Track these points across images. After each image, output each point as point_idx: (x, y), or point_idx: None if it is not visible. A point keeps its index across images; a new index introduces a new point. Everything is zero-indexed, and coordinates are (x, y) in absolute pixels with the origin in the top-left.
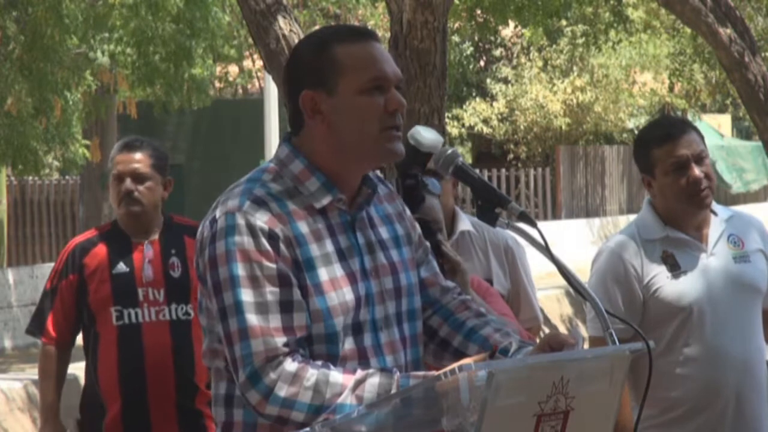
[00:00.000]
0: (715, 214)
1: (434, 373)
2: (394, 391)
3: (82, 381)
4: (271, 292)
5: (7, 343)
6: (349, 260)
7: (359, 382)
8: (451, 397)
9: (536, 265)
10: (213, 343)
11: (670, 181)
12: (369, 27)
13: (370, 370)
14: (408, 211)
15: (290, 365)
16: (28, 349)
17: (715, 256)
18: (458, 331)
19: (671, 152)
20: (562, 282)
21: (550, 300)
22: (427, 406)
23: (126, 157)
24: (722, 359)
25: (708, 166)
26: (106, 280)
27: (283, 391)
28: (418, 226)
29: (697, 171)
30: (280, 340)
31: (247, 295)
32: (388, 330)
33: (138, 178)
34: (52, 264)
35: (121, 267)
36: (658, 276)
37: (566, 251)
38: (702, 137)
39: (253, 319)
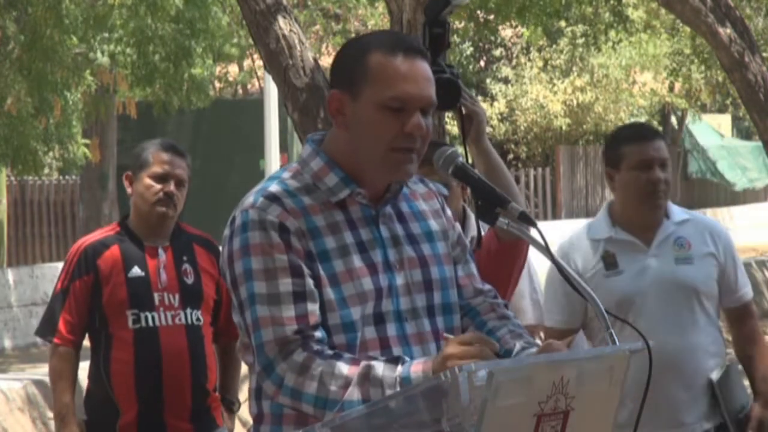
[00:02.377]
0: (668, 217)
1: (431, 361)
2: (398, 387)
3: (84, 381)
4: (282, 282)
5: (7, 343)
6: (370, 252)
7: (364, 377)
8: (451, 397)
9: (536, 266)
10: (244, 337)
11: (633, 176)
12: (369, 27)
13: (373, 362)
14: (448, 211)
15: (299, 355)
16: (28, 349)
17: (656, 257)
18: (480, 331)
19: (640, 151)
20: None
21: None
22: (427, 407)
23: (173, 159)
24: (646, 355)
25: (669, 174)
26: (122, 283)
27: (291, 381)
28: (458, 225)
29: (659, 173)
30: (291, 328)
31: (259, 287)
32: (415, 321)
33: (180, 183)
34: (52, 264)
35: (136, 271)
36: (595, 274)
37: None
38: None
39: (264, 309)
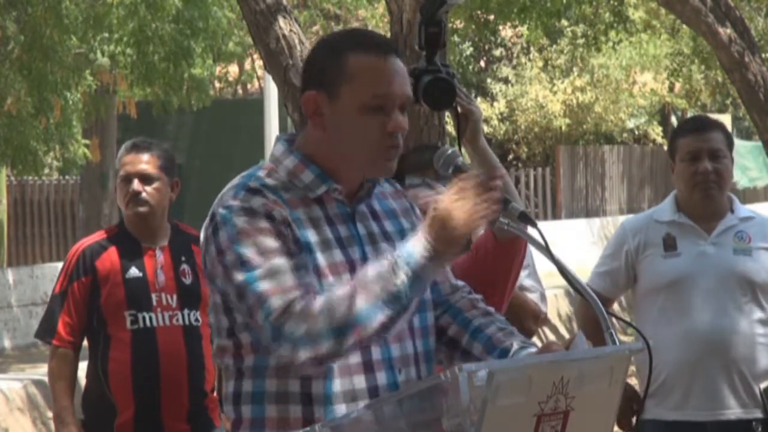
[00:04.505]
0: (732, 211)
1: (421, 231)
2: (404, 269)
3: (82, 381)
4: (278, 260)
5: (7, 343)
6: (349, 249)
7: (360, 282)
8: (451, 397)
9: (536, 265)
10: (222, 340)
11: (683, 167)
12: (369, 27)
13: (362, 269)
14: (417, 209)
15: (296, 307)
16: (28, 349)
17: (715, 245)
18: (465, 329)
19: (689, 143)
20: (562, 282)
21: (550, 300)
22: (427, 407)
23: (134, 157)
24: (696, 336)
25: (723, 165)
26: (120, 284)
27: (302, 330)
28: None
29: (707, 164)
30: (294, 293)
31: (256, 269)
32: None
33: (146, 179)
34: (52, 264)
35: (134, 271)
36: (653, 254)
37: (566, 251)
38: (729, 141)
39: (265, 284)
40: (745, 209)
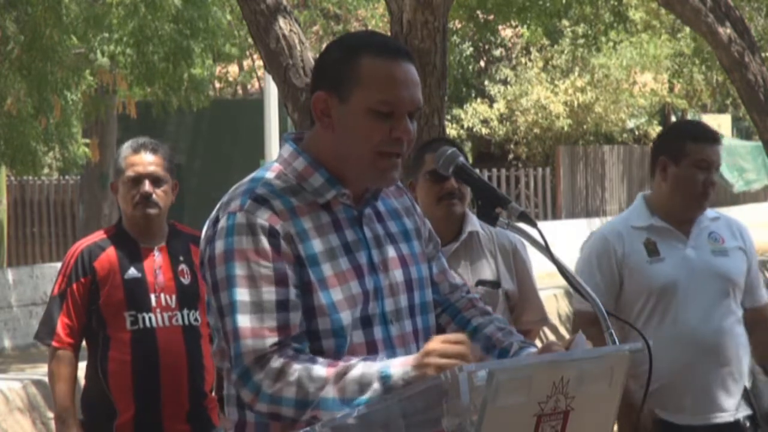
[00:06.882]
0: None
1: (412, 357)
2: (376, 384)
3: (81, 382)
4: (266, 291)
5: (7, 343)
6: (356, 254)
7: (340, 376)
8: (451, 397)
9: (536, 265)
10: (221, 342)
11: (691, 174)
12: (369, 27)
13: (352, 361)
14: (418, 207)
15: (275, 362)
16: (28, 349)
17: (694, 249)
18: (463, 329)
19: (704, 152)
20: (562, 282)
21: (550, 300)
22: (427, 407)
23: (143, 158)
24: (688, 340)
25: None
26: (119, 285)
27: (269, 388)
28: (428, 221)
29: (714, 176)
30: (271, 339)
31: (242, 295)
32: (399, 323)
33: (156, 181)
34: (52, 264)
35: (133, 272)
36: (637, 259)
37: (566, 251)
38: None
39: (245, 319)
40: (710, 210)
